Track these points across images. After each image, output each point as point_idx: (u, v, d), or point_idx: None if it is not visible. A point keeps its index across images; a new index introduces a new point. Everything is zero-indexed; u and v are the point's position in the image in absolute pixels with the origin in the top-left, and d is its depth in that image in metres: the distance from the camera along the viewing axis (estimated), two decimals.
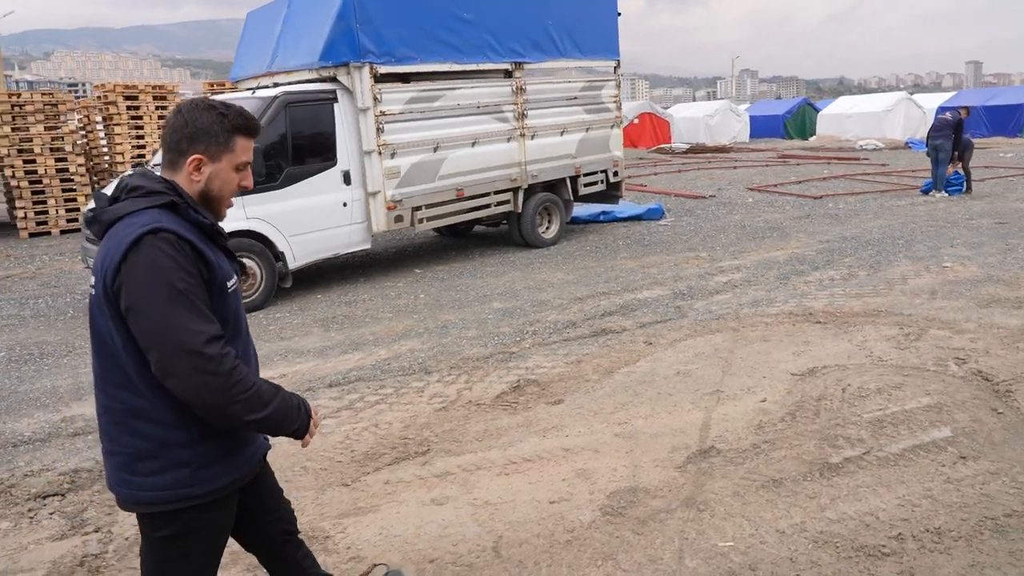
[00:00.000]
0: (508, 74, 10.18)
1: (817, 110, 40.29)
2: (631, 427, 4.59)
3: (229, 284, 2.02)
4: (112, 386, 1.96)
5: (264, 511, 2.40)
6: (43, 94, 14.68)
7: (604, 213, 12.90)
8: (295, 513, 2.56)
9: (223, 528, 2.16)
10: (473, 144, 9.74)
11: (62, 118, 14.65)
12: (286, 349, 6.67)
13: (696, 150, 32.65)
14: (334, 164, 8.58)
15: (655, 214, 13.11)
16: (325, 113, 8.48)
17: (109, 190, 2.08)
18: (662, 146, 35.55)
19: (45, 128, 14.26)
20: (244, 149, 2.05)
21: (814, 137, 37.69)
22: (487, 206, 10.19)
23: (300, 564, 2.53)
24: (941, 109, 32.90)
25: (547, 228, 11.09)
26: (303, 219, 8.31)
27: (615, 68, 11.68)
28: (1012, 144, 27.36)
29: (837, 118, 36.60)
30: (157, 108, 15.70)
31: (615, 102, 11.67)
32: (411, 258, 10.80)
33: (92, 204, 2.04)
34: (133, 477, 1.98)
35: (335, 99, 8.53)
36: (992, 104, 30.95)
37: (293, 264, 8.33)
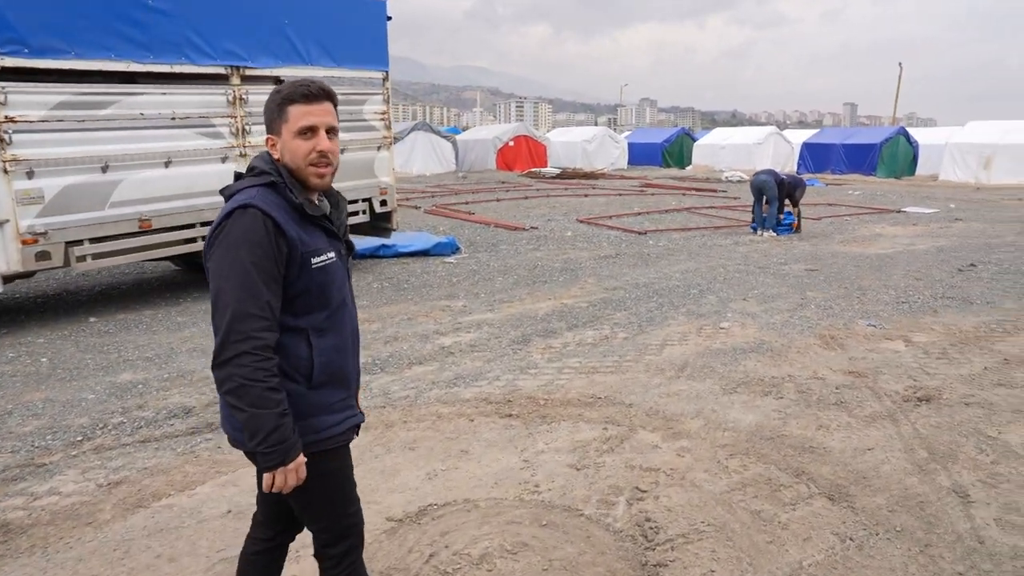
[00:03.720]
0: (225, 80, 8.31)
1: (694, 140, 40.06)
2: None
3: (315, 260, 2.09)
4: None
5: None
6: None
7: (384, 247, 11.14)
8: None
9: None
10: (167, 164, 7.79)
11: None
12: None
13: (565, 175, 31.58)
14: None
15: (445, 249, 11.45)
16: None
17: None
18: (533, 170, 34.41)
19: None
20: (299, 115, 2.08)
21: (690, 167, 37.38)
22: (193, 240, 8.22)
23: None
24: (806, 145, 33.12)
25: None
26: None
27: (383, 80, 9.97)
28: (866, 182, 27.30)
29: (711, 148, 36.40)
30: None
31: (383, 120, 9.95)
32: (105, 301, 8.70)
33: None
34: None
35: None
36: (850, 142, 31.04)
37: None
